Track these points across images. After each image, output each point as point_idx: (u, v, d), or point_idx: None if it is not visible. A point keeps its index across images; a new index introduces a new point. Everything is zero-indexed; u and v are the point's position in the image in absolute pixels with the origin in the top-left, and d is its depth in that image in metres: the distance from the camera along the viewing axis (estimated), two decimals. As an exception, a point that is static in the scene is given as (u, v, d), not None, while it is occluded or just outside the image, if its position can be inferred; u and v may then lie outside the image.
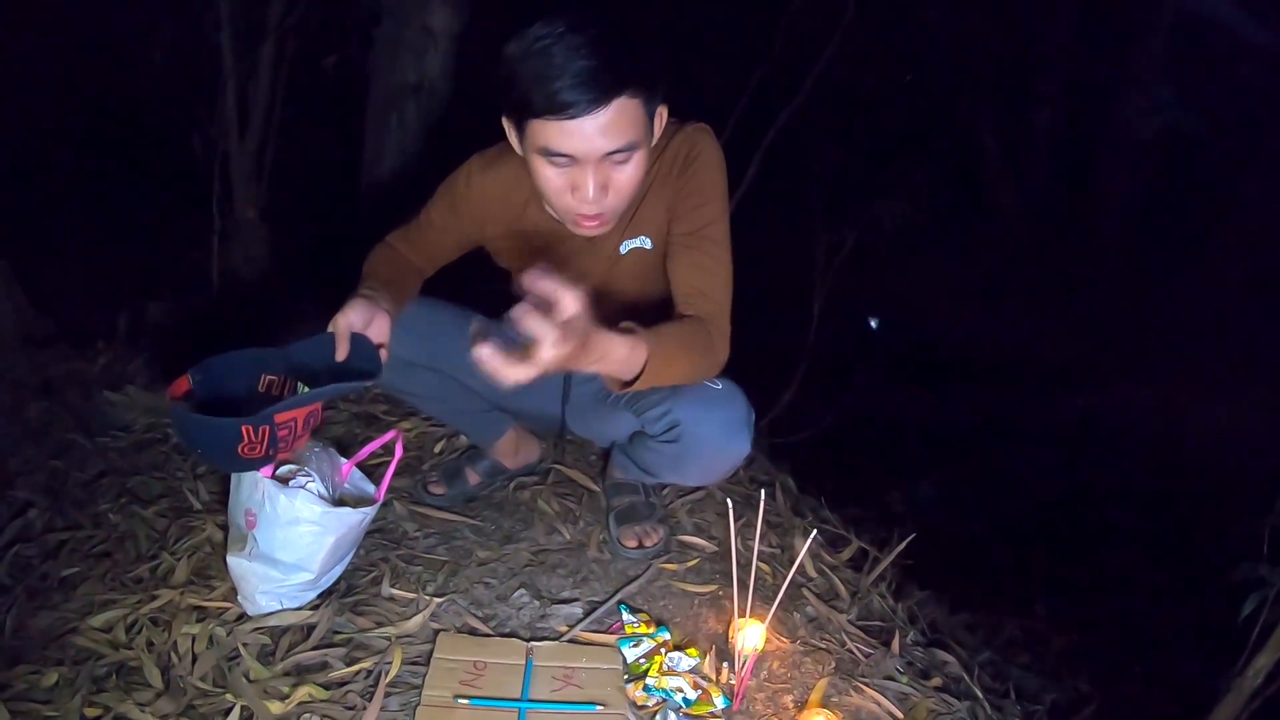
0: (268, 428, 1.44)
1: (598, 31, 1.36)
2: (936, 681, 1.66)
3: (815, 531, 1.67)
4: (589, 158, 1.43)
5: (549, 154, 1.44)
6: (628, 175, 1.48)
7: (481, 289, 1.92)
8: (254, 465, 1.53)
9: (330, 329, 1.53)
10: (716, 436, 1.64)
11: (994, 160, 6.86)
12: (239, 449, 1.43)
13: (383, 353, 1.60)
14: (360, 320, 1.54)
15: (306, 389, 1.59)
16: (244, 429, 1.42)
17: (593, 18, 1.37)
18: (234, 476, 1.63)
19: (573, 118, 1.37)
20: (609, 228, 1.59)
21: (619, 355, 1.32)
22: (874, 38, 4.54)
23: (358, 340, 1.55)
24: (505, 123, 1.54)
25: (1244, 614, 1.70)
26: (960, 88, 6.26)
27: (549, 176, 1.49)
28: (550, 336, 1.11)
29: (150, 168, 4.34)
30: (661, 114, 1.54)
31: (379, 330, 1.57)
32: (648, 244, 1.69)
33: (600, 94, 1.36)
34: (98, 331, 2.80)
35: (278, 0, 3.57)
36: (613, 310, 1.79)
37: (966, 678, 1.75)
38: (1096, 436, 4.35)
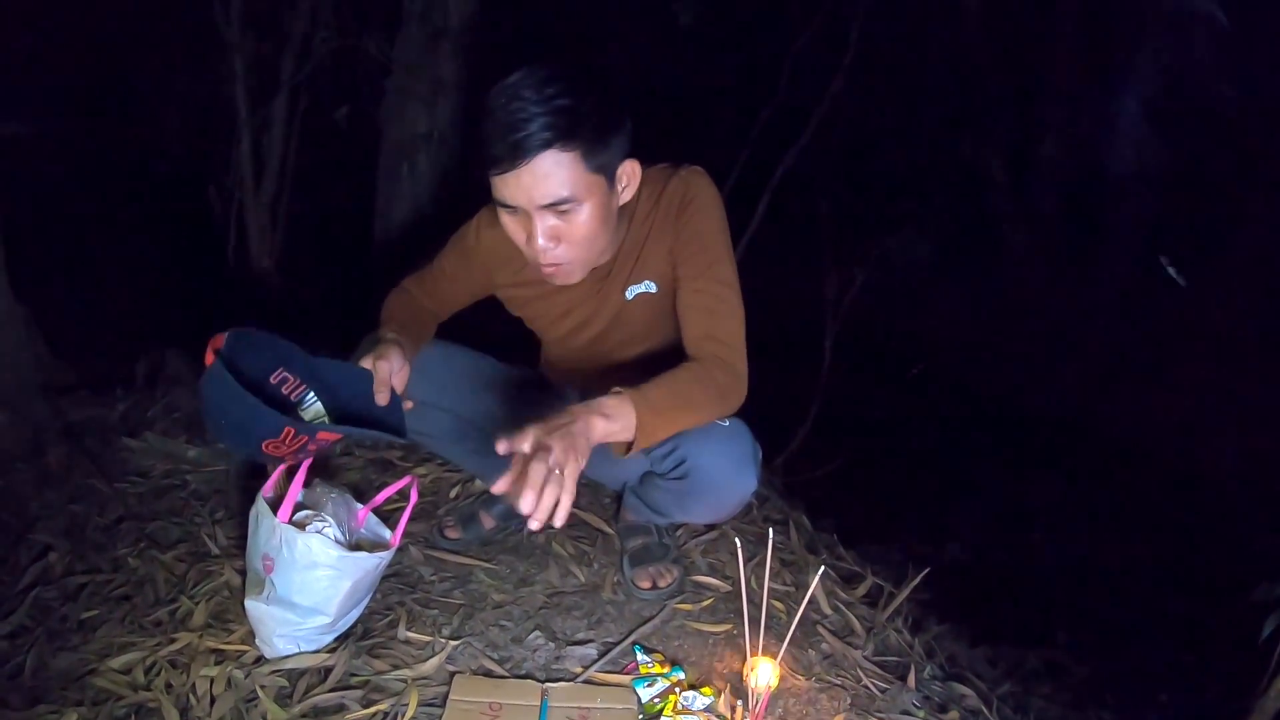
0: (305, 437, 1.45)
1: (541, 90, 1.43)
2: (954, 715, 1.65)
3: (824, 567, 1.68)
4: (530, 209, 1.49)
5: (500, 205, 1.53)
6: (578, 228, 1.53)
7: (496, 330, 1.96)
8: (263, 458, 1.53)
9: (366, 366, 1.57)
10: (723, 473, 1.66)
11: (1003, 192, 6.89)
12: (264, 442, 1.43)
13: (406, 403, 1.63)
14: (396, 367, 1.59)
15: (318, 403, 1.61)
16: (287, 429, 1.42)
17: (549, 74, 1.44)
18: (252, 523, 1.64)
19: (503, 173, 1.46)
20: (576, 278, 1.64)
21: (607, 430, 1.41)
22: (878, 74, 4.59)
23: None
24: None
25: (1265, 635, 1.68)
26: (966, 121, 6.30)
27: (509, 225, 1.57)
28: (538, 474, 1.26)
29: (167, 218, 4.41)
30: (630, 168, 1.59)
31: (401, 380, 1.62)
32: (653, 288, 1.72)
33: (525, 150, 1.43)
34: (117, 378, 2.83)
35: (290, 54, 3.65)
36: (622, 356, 1.83)
37: (985, 710, 1.73)
38: (1113, 462, 4.33)
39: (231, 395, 1.39)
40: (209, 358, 1.42)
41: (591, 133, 1.47)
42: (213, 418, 1.54)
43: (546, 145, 1.43)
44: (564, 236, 1.53)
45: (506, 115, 1.43)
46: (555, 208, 1.49)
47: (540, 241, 1.52)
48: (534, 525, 1.25)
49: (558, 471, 1.27)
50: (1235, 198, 5.83)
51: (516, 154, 1.43)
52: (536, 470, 1.26)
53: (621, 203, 1.62)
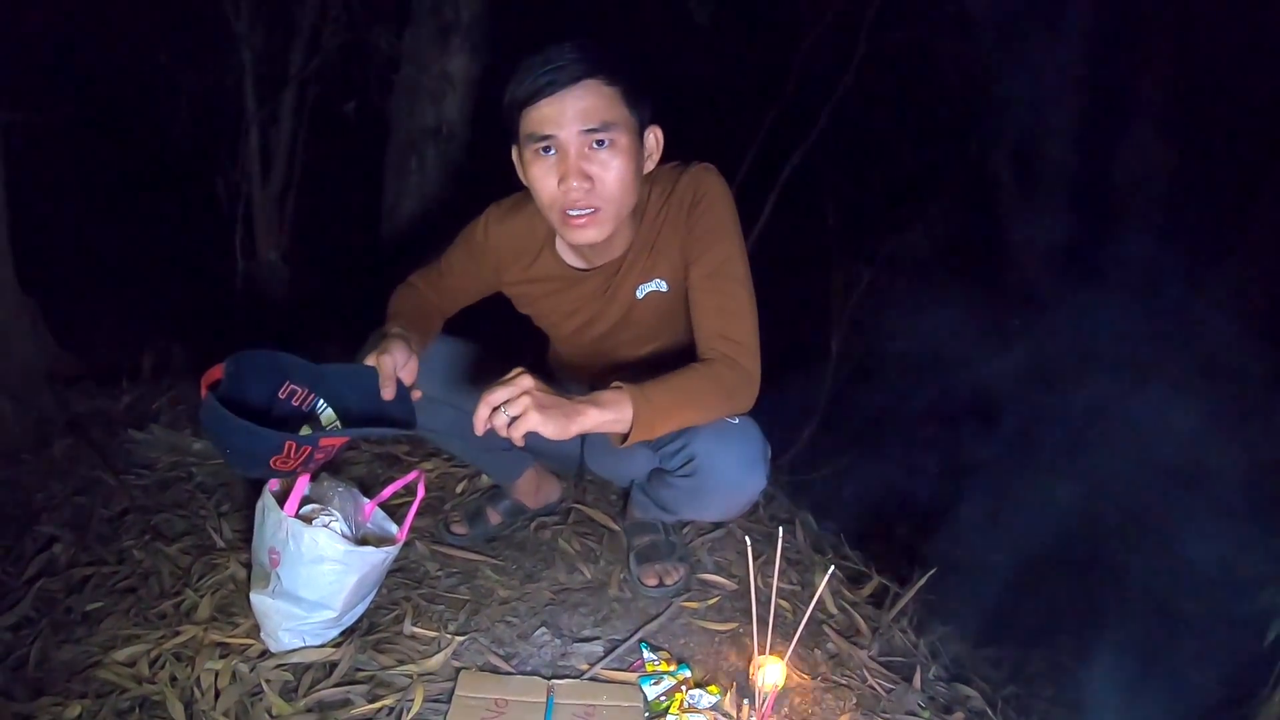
0: (309, 448, 1.44)
1: (576, 41, 1.51)
2: (959, 716, 1.65)
3: (833, 567, 1.67)
4: (568, 138, 1.51)
5: (534, 140, 1.53)
6: (611, 169, 1.53)
7: (504, 326, 1.95)
8: (276, 475, 1.54)
9: (371, 363, 1.56)
10: (732, 471, 1.65)
11: (1009, 191, 6.88)
12: (272, 460, 1.43)
13: (414, 393, 1.62)
14: (402, 361, 1.58)
15: (329, 409, 1.61)
16: (288, 444, 1.41)
17: (577, 38, 1.52)
18: (258, 516, 1.64)
19: (548, 95, 1.49)
20: (601, 235, 1.60)
21: (600, 419, 1.42)
22: (886, 74, 4.58)
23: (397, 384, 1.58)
24: (514, 151, 1.62)
25: (1270, 639, 1.68)
26: (974, 120, 6.29)
27: (539, 174, 1.56)
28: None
29: (175, 210, 4.41)
30: (656, 134, 1.62)
31: (409, 373, 1.60)
32: (663, 286, 1.71)
33: (572, 75, 1.49)
34: (122, 370, 2.83)
35: (299, 47, 3.65)
36: (631, 354, 1.82)
37: (990, 712, 1.73)
38: (1117, 464, 4.31)
39: (227, 424, 1.40)
40: (204, 392, 1.44)
41: (630, 76, 1.53)
42: (218, 447, 1.58)
43: (592, 73, 1.49)
44: (597, 178, 1.53)
45: (548, 54, 1.50)
46: (595, 133, 1.51)
47: (574, 182, 1.52)
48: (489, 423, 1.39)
49: (528, 404, 1.37)
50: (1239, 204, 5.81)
51: (561, 79, 1.48)
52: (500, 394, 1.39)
53: (646, 170, 1.63)
